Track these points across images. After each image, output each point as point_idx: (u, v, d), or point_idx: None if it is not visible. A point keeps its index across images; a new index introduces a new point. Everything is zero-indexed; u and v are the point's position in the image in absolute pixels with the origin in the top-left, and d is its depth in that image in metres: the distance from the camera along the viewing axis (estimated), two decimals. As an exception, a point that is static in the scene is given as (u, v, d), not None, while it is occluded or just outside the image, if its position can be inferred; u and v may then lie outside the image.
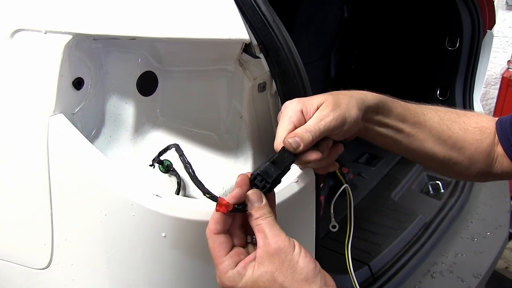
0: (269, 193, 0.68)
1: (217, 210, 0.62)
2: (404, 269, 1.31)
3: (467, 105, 1.94)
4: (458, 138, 0.83)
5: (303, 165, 0.76)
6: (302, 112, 0.71)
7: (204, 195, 0.65)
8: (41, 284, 0.88)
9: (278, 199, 0.75)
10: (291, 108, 0.72)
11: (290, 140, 0.68)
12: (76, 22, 0.75)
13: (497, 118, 0.87)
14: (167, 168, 0.80)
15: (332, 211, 0.87)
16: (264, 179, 0.66)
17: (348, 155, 1.84)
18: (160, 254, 0.75)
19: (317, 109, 0.71)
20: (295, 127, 0.70)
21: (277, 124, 0.73)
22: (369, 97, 0.78)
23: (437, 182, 1.73)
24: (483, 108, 2.77)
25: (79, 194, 0.76)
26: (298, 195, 0.79)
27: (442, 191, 1.69)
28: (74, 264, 0.82)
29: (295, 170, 0.79)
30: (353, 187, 0.87)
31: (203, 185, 0.66)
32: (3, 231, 0.90)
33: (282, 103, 0.84)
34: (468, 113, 0.88)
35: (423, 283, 1.32)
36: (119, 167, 0.74)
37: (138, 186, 0.71)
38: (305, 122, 0.71)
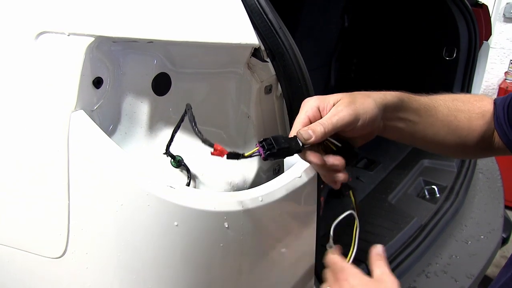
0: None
1: (212, 154, 0.66)
2: (399, 268, 1.34)
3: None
4: (464, 127, 0.89)
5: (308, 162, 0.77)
6: (319, 109, 0.75)
7: (203, 142, 0.68)
8: (55, 273, 0.91)
9: (281, 193, 0.80)
10: (309, 104, 0.75)
11: (302, 132, 0.71)
12: (98, 25, 0.80)
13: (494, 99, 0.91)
14: (179, 163, 0.85)
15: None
16: (272, 144, 0.70)
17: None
18: (172, 242, 0.78)
19: (333, 106, 0.75)
20: (310, 122, 0.73)
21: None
22: (388, 96, 0.80)
23: (433, 187, 1.76)
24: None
25: (96, 185, 0.80)
26: (301, 191, 0.83)
27: (438, 195, 1.72)
28: (89, 253, 0.85)
29: (299, 166, 0.83)
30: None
31: (201, 134, 0.69)
32: (21, 220, 0.92)
33: (287, 104, 0.90)
34: (471, 98, 0.92)
35: (418, 282, 1.36)
36: (135, 160, 0.78)
37: (153, 178, 0.76)
38: (321, 118, 0.74)
